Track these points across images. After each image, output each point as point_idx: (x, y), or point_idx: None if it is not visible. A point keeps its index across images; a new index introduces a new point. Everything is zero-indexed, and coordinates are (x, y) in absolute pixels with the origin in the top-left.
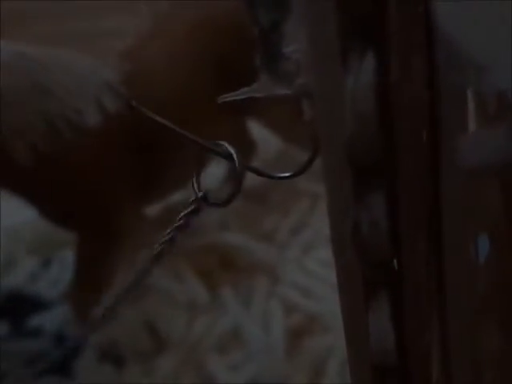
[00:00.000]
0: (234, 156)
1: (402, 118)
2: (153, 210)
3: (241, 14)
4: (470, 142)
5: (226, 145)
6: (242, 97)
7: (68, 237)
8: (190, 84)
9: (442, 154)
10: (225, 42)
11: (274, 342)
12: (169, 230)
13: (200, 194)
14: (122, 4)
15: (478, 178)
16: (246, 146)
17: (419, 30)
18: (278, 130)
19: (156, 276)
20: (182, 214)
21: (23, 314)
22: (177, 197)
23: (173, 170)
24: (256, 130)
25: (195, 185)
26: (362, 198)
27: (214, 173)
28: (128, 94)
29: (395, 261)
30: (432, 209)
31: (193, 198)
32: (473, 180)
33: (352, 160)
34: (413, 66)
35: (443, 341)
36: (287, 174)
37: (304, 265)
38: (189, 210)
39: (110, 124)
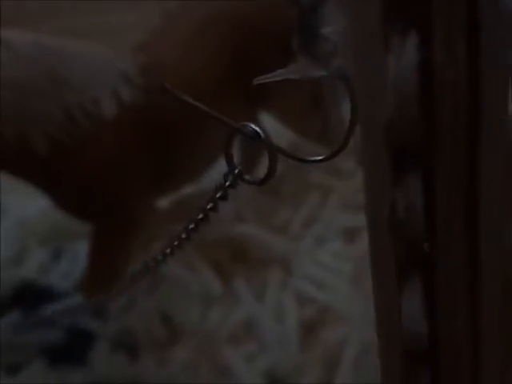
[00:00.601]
0: (263, 135)
1: (444, 99)
2: (164, 202)
3: (254, 7)
4: None
5: (252, 125)
6: (278, 78)
7: (79, 228)
8: (203, 77)
9: (483, 137)
10: (239, 36)
11: (287, 333)
12: (204, 205)
13: (237, 170)
14: (126, 2)
15: None
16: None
17: (462, 10)
18: (289, 123)
19: (170, 266)
20: (218, 187)
21: (35, 304)
22: (189, 190)
23: (187, 162)
24: (268, 123)
25: (229, 160)
26: (399, 180)
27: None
28: (144, 85)
29: (430, 244)
30: (469, 193)
31: (226, 173)
32: None
33: (390, 141)
34: (456, 46)
35: (475, 325)
36: (319, 158)
37: (317, 257)
38: (226, 184)
39: (126, 114)
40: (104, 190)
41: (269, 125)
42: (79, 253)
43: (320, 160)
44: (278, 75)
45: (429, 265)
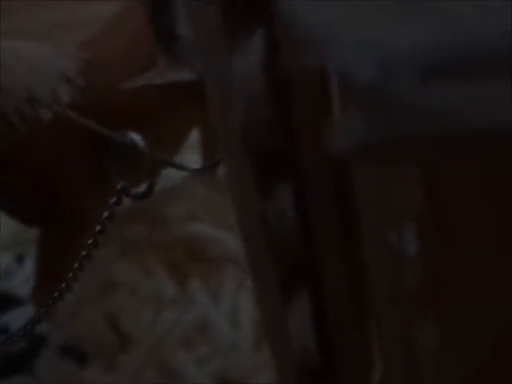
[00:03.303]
0: (140, 145)
1: (298, 98)
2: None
3: None
4: (335, 127)
5: (134, 135)
6: (142, 83)
7: None
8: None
9: None
10: None
11: (242, 335)
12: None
13: (119, 186)
14: None
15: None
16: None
17: None
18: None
19: (120, 269)
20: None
21: None
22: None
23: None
24: None
25: (108, 175)
26: (266, 187)
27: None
28: (85, 84)
29: (311, 257)
30: (345, 196)
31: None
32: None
33: (249, 146)
34: None
35: (369, 338)
36: (198, 167)
37: None
38: (112, 201)
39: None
40: (45, 195)
41: None
42: None
43: (200, 169)
44: (141, 81)
45: (312, 276)
